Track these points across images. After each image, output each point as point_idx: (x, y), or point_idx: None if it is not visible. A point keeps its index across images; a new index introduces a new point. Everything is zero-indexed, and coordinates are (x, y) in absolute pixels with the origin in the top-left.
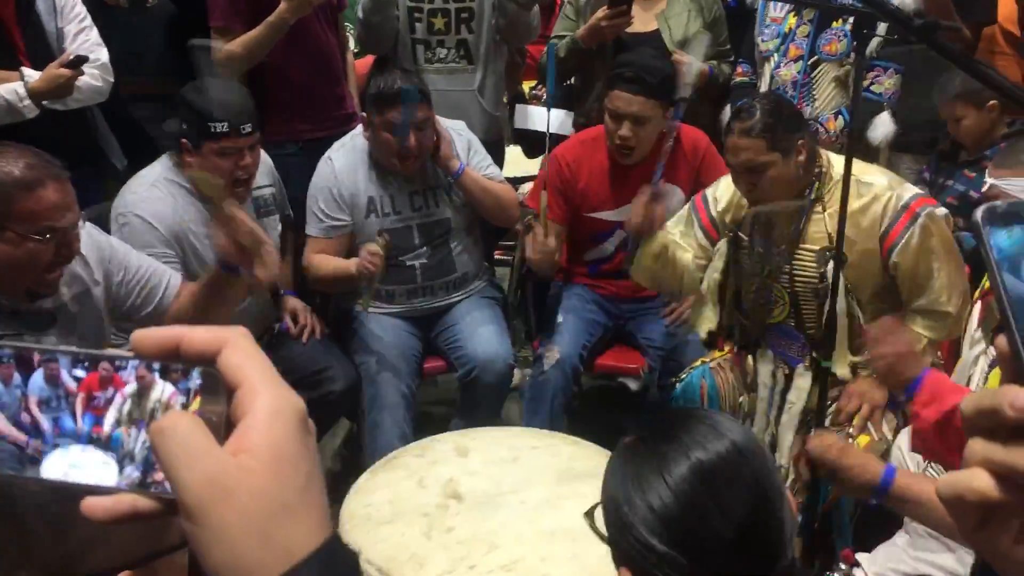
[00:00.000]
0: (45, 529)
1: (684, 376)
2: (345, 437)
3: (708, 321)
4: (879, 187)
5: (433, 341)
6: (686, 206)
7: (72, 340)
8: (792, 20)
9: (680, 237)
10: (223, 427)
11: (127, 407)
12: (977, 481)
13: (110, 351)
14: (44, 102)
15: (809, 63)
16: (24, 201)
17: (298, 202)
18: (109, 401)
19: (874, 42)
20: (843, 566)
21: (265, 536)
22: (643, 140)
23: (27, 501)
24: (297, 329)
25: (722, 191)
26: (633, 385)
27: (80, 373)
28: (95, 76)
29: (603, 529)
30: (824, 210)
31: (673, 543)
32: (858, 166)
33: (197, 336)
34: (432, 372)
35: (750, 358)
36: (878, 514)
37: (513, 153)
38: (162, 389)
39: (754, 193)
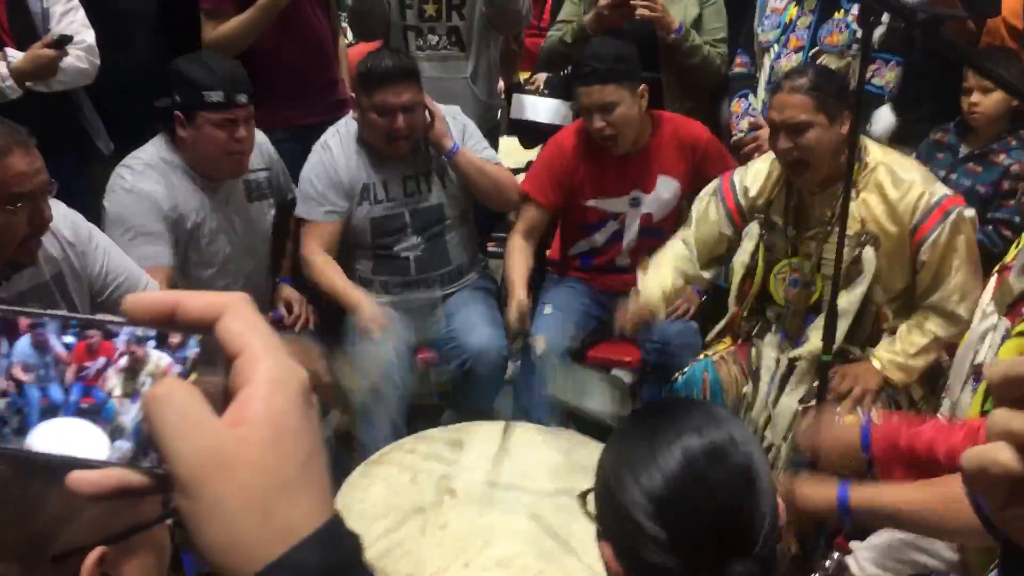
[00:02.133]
0: (7, 510)
1: (687, 369)
2: (335, 430)
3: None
4: (913, 182)
5: (426, 332)
6: (710, 191)
7: None
8: (793, 10)
9: (684, 235)
10: (221, 398)
11: (121, 377)
12: (1001, 454)
13: (102, 316)
14: (28, 83)
15: (810, 54)
16: None
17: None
18: (101, 371)
19: (876, 33)
20: (836, 554)
21: (264, 512)
22: (621, 125)
23: None
24: (291, 319)
25: (752, 178)
26: (628, 378)
27: (70, 339)
28: (80, 58)
29: (593, 510)
30: (859, 194)
31: (659, 521)
32: (892, 157)
33: (194, 302)
34: (425, 363)
35: (753, 350)
36: None
37: (509, 144)
38: (159, 358)
39: (792, 154)
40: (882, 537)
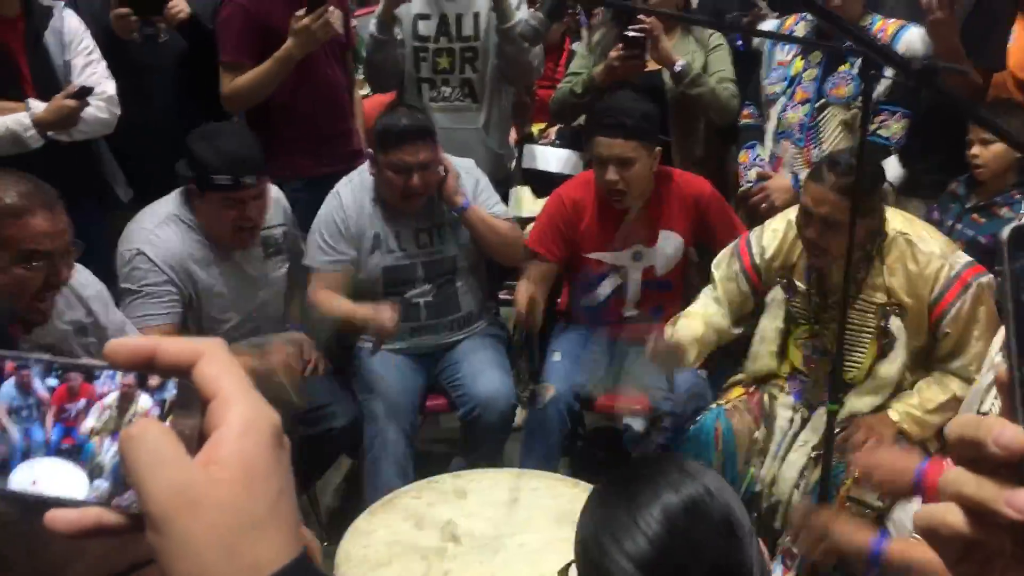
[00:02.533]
0: (16, 549)
1: (699, 419)
2: (346, 474)
3: (764, 369)
4: (932, 254)
5: (436, 379)
6: (727, 252)
7: None
8: (799, 63)
9: (713, 295)
10: (196, 441)
11: (103, 418)
12: (950, 515)
13: (85, 360)
14: (50, 133)
15: (816, 106)
16: (10, 228)
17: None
18: (81, 412)
19: (882, 85)
20: None
21: (231, 551)
22: (633, 183)
23: None
24: (300, 365)
25: (768, 239)
26: (638, 425)
27: (53, 382)
28: (101, 108)
29: None
30: (883, 263)
31: None
32: (913, 227)
33: (172, 347)
34: (434, 410)
35: (766, 398)
36: None
37: (522, 193)
38: (139, 401)
39: (820, 242)
40: None
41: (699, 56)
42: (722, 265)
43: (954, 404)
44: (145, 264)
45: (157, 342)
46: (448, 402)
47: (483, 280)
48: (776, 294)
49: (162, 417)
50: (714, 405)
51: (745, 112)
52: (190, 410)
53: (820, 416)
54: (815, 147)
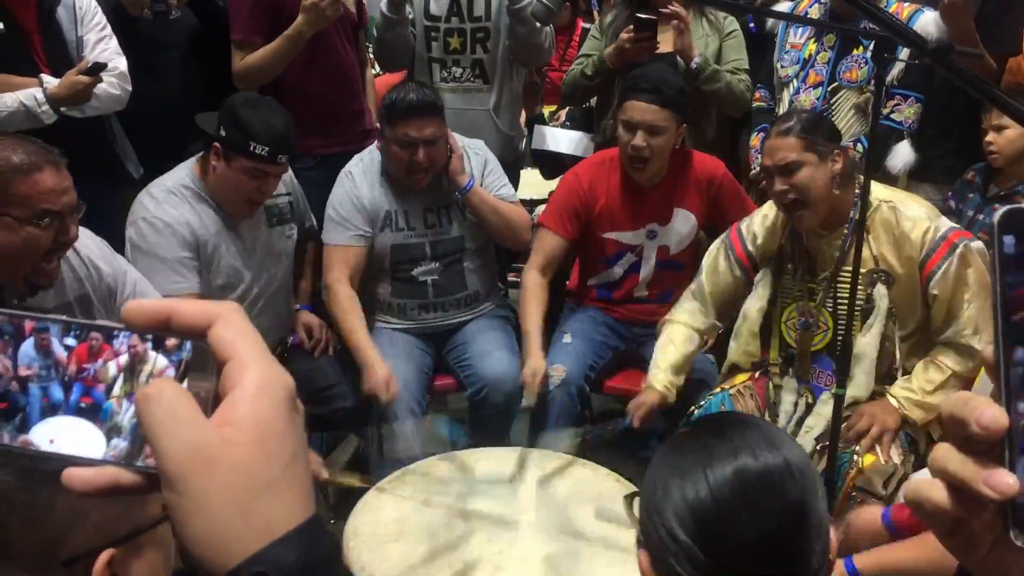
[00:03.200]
0: (15, 518)
1: (704, 403)
2: (353, 454)
3: (741, 351)
4: (918, 217)
5: (444, 359)
6: (718, 242)
7: None
8: (812, 46)
9: (696, 291)
10: (211, 402)
11: (120, 379)
12: (935, 492)
13: (102, 321)
14: (62, 109)
15: (829, 89)
16: (21, 186)
17: (314, 216)
18: (99, 372)
19: (896, 69)
20: None
21: (245, 510)
22: (657, 152)
23: None
24: (311, 344)
25: (759, 224)
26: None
27: (71, 342)
28: (113, 84)
29: (638, 514)
30: (868, 233)
31: (697, 537)
32: (896, 194)
33: (188, 310)
34: (442, 390)
35: (771, 385)
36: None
37: (532, 175)
38: (155, 361)
39: (788, 196)
40: None
41: (712, 40)
42: (712, 255)
43: (954, 382)
44: (155, 235)
45: (174, 304)
46: (456, 382)
47: (491, 262)
48: (763, 276)
49: (178, 378)
50: (718, 389)
51: (757, 95)
52: (205, 372)
53: (825, 402)
54: None
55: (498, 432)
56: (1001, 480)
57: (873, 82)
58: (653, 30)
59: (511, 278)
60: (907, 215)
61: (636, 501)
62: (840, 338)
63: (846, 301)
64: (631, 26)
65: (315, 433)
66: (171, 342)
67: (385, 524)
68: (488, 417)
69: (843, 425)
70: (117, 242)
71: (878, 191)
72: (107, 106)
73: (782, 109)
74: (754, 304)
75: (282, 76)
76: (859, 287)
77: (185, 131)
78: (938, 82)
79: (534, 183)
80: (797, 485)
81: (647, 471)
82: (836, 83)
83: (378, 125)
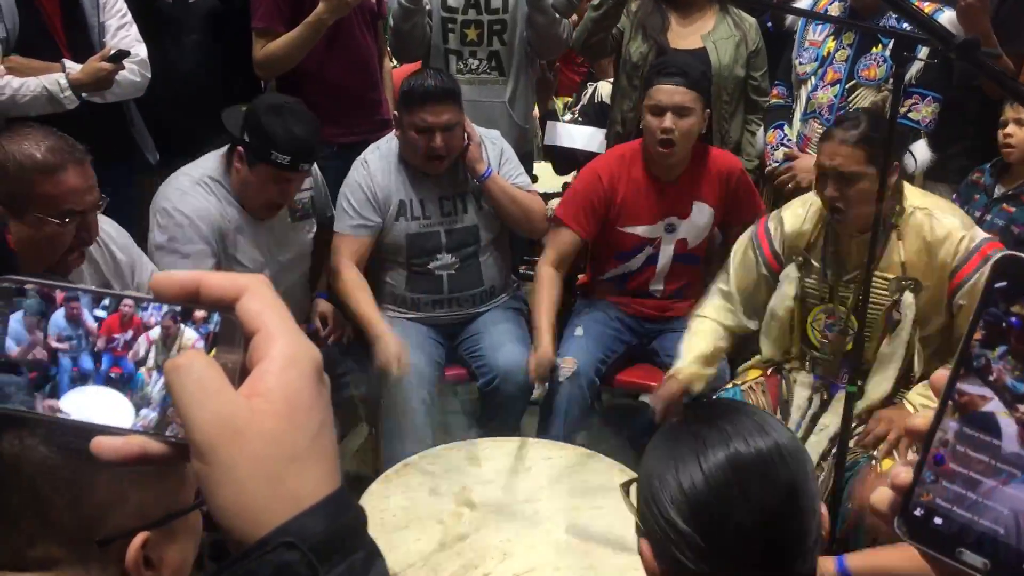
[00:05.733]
0: (58, 495)
1: (715, 397)
2: (364, 442)
3: (774, 348)
4: (952, 226)
5: (456, 349)
6: (745, 239)
7: None
8: (831, 44)
9: (724, 288)
10: (238, 374)
11: (153, 349)
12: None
13: (132, 292)
14: (84, 94)
15: (847, 87)
16: (45, 185)
17: (331, 205)
18: (130, 342)
19: (913, 68)
20: None
21: (273, 480)
22: (684, 135)
23: (35, 468)
24: (325, 332)
25: (789, 222)
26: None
27: (101, 313)
28: (133, 71)
29: (635, 503)
30: (899, 238)
31: (695, 524)
32: (931, 200)
33: (216, 281)
34: (453, 380)
35: (783, 382)
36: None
37: (543, 169)
38: (184, 333)
39: (839, 202)
40: None
41: (741, 48)
42: (739, 253)
43: None
44: (176, 227)
45: (202, 276)
46: (468, 372)
47: (506, 254)
48: (789, 271)
49: (207, 350)
50: (730, 385)
51: (774, 92)
52: (233, 344)
53: (840, 400)
54: None
55: (508, 422)
56: (897, 473)
57: (891, 80)
58: None
59: (523, 270)
60: (942, 222)
61: (632, 488)
62: (866, 340)
63: (874, 303)
64: None
65: None
66: (199, 314)
67: (393, 512)
68: (498, 407)
69: (861, 430)
70: (133, 229)
71: (913, 197)
72: (127, 93)
73: (799, 106)
74: (780, 303)
75: (301, 64)
76: (885, 293)
77: (204, 117)
78: (956, 81)
79: (545, 177)
80: (789, 468)
81: (642, 460)
82: (854, 81)
83: (395, 114)
